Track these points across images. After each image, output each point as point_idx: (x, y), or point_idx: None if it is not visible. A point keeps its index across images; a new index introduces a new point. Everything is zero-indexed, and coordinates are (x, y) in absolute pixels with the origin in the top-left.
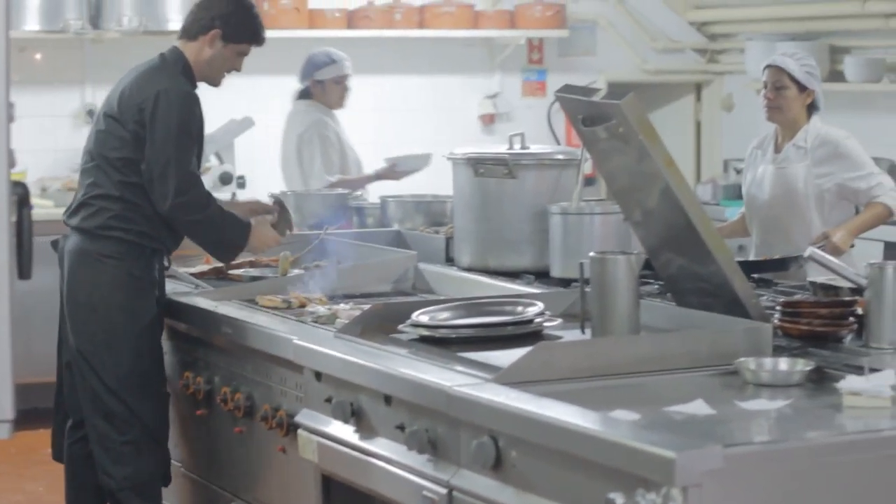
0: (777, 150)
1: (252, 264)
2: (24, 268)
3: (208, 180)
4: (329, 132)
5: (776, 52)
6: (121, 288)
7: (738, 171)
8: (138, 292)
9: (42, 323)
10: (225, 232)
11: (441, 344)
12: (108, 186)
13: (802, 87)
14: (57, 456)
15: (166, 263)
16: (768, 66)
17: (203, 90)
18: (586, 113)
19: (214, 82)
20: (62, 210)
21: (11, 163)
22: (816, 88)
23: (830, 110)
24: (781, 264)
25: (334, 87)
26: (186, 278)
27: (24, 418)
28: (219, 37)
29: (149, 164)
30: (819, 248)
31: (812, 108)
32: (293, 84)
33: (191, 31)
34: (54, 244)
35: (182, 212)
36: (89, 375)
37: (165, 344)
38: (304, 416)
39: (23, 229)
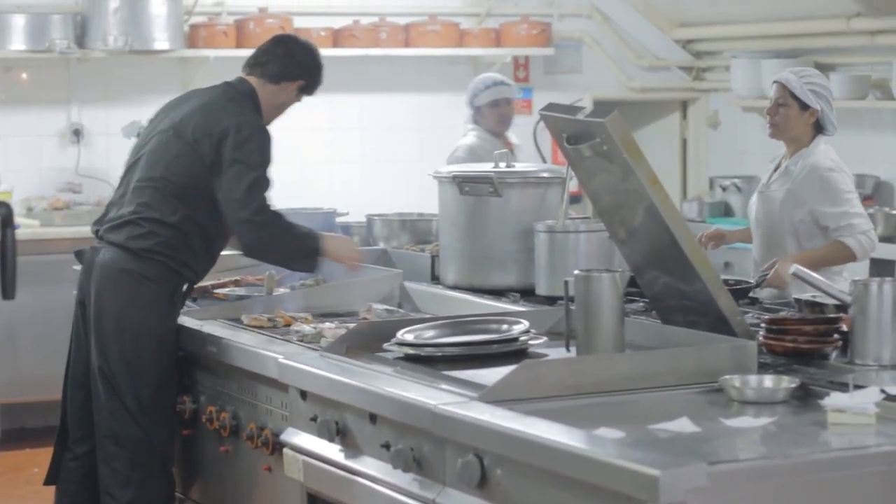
0: (776, 168)
1: (237, 283)
2: (7, 288)
3: None
4: (472, 157)
5: (761, 70)
6: (156, 311)
7: (724, 189)
8: (170, 318)
9: (27, 343)
10: (299, 241)
11: (426, 362)
12: (165, 212)
13: (805, 106)
14: (51, 480)
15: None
16: (774, 82)
17: None
18: (571, 131)
19: (269, 123)
20: (48, 229)
21: None
22: (820, 107)
23: None
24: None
25: (490, 111)
26: None
27: (10, 438)
28: (299, 87)
29: (229, 187)
30: (762, 276)
31: (818, 129)
32: None
33: (274, 74)
34: (79, 255)
35: (259, 229)
36: (109, 395)
37: None
38: (290, 435)
39: (6, 249)
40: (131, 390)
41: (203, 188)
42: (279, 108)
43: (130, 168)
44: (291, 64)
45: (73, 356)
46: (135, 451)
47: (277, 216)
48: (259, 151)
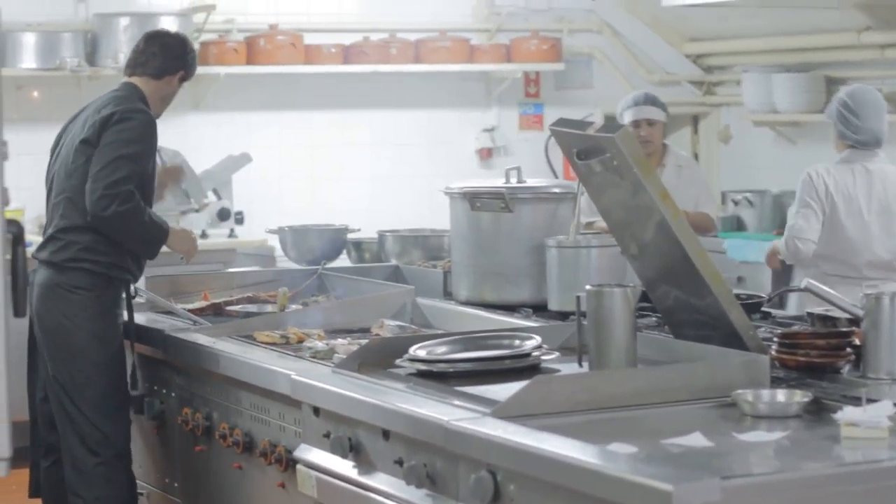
0: None
1: (249, 300)
2: (18, 306)
3: (206, 216)
4: None
5: (772, 84)
6: (92, 318)
7: (736, 203)
8: (108, 321)
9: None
10: (151, 227)
11: (439, 378)
12: (76, 218)
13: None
14: (34, 493)
15: (133, 293)
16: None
17: (201, 126)
18: (581, 146)
19: (159, 115)
20: None
21: (5, 201)
22: None
23: (825, 141)
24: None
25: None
26: (184, 315)
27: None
28: (180, 78)
29: (98, 160)
30: None
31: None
32: (289, 119)
33: (155, 70)
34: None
35: (119, 203)
36: (65, 400)
37: (163, 381)
38: (303, 452)
39: (17, 267)
40: (83, 392)
41: None
42: (165, 101)
43: (49, 192)
44: (170, 58)
45: (34, 375)
46: (95, 449)
47: (135, 195)
48: (136, 132)
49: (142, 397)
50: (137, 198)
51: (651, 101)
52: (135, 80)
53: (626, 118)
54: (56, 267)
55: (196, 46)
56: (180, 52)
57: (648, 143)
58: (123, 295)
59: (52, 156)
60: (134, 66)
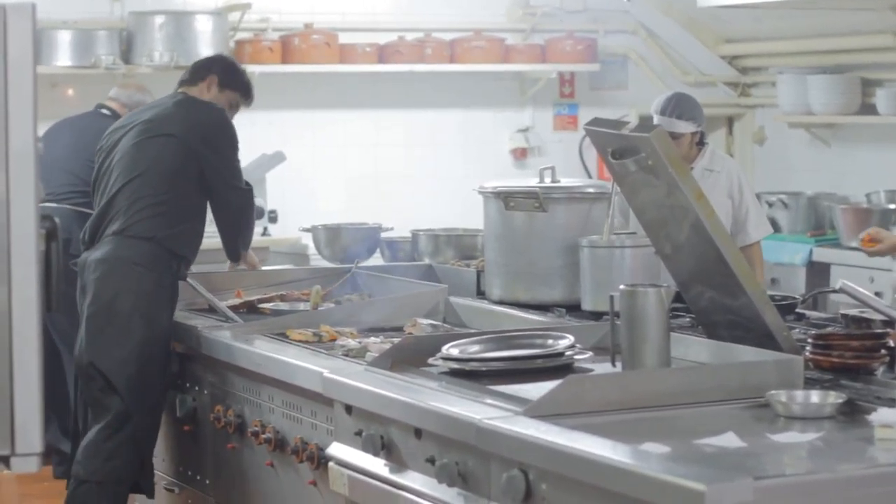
0: None
1: (283, 298)
2: (51, 301)
3: None
4: None
5: (807, 86)
6: (145, 296)
7: (771, 205)
8: (160, 302)
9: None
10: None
11: (471, 377)
12: (149, 198)
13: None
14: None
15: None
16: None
17: (235, 124)
18: (616, 146)
19: None
20: None
21: (40, 196)
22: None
23: (861, 143)
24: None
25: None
26: (224, 310)
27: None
28: (218, 84)
29: (219, 170)
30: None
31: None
32: (324, 118)
33: (189, 78)
34: (73, 265)
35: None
36: (97, 379)
37: (196, 378)
38: (335, 450)
39: (51, 263)
40: (117, 367)
41: (189, 174)
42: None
43: (102, 189)
44: (198, 65)
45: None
46: (111, 423)
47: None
48: (234, 136)
49: (176, 377)
50: None
51: (680, 112)
52: (183, 89)
53: (655, 122)
54: (121, 237)
55: (231, 45)
56: (209, 58)
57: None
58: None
59: (103, 159)
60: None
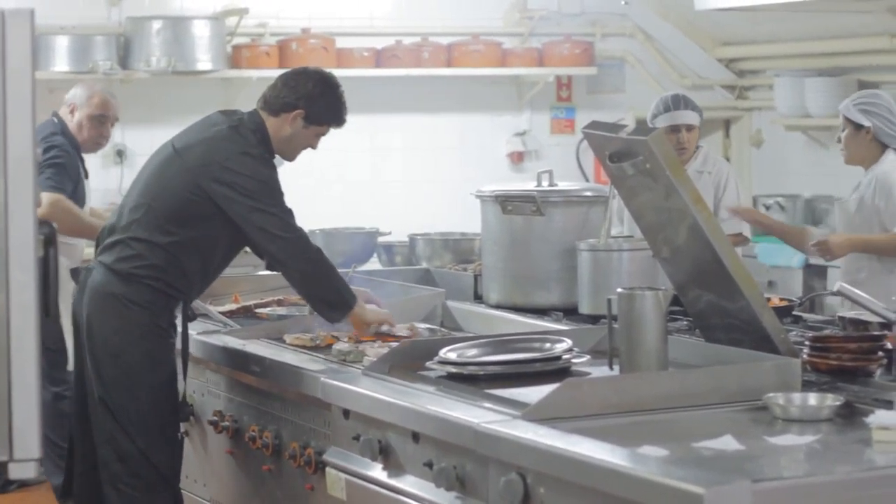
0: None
1: (280, 303)
2: (49, 307)
3: None
4: None
5: (805, 88)
6: (145, 337)
7: (768, 208)
8: (161, 342)
9: None
10: (340, 284)
11: (469, 381)
12: (156, 234)
13: (858, 126)
14: (66, 492)
15: (190, 315)
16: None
17: None
18: (613, 149)
19: (289, 158)
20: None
21: (38, 203)
22: (870, 123)
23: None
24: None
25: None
26: (215, 316)
27: None
28: (301, 117)
29: (250, 217)
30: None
31: (883, 145)
32: None
33: (273, 106)
34: (74, 273)
35: (293, 248)
36: (106, 417)
37: (194, 384)
38: (333, 454)
39: (49, 269)
40: (127, 410)
41: (198, 215)
42: (289, 142)
43: (131, 190)
44: (287, 94)
45: (77, 376)
46: (134, 468)
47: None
48: (266, 174)
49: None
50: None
51: (687, 103)
52: (262, 113)
53: (661, 123)
54: (117, 275)
55: (228, 50)
56: (302, 89)
57: (684, 150)
58: (178, 317)
59: (147, 162)
60: (261, 98)
